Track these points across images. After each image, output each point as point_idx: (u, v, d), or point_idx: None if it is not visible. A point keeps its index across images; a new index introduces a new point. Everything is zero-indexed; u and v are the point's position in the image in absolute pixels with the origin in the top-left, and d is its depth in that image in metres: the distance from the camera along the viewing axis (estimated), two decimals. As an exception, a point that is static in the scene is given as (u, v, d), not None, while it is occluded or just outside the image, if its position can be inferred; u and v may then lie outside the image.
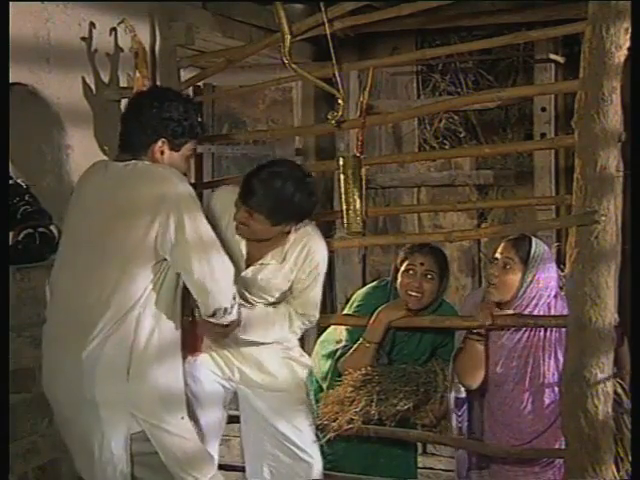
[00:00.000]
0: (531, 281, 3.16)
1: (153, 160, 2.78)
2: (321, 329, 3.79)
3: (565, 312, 3.11)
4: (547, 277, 3.18)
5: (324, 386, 3.48)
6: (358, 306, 3.53)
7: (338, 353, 3.44)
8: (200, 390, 3.18)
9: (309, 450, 3.24)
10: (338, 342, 3.48)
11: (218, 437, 3.29)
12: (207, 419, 3.19)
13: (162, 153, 2.79)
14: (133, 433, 2.69)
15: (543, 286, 3.17)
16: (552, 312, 3.20)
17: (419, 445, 3.88)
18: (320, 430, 3.34)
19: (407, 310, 3.36)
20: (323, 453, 3.47)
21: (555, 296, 3.21)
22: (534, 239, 3.22)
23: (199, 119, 2.89)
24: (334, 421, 3.34)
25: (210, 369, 3.20)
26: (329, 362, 3.47)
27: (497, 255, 3.23)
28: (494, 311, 3.16)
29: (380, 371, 3.36)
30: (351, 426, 3.31)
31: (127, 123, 2.85)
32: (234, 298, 2.80)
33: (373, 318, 3.33)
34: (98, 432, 2.68)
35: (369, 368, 3.36)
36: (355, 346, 3.37)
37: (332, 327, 3.61)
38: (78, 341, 2.68)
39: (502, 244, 3.24)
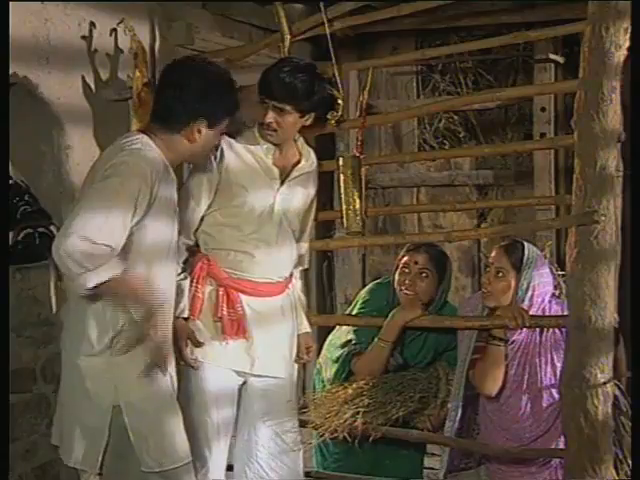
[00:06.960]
0: (527, 288, 3.15)
1: (189, 137, 2.71)
2: (323, 330, 3.76)
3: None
4: (540, 283, 3.17)
5: (327, 387, 3.48)
6: (363, 303, 3.53)
7: (348, 353, 3.41)
8: (214, 388, 3.11)
9: (290, 435, 3.23)
10: (345, 344, 3.45)
11: (229, 435, 3.22)
12: (221, 416, 3.13)
13: (199, 132, 2.72)
14: (114, 405, 2.59)
15: (537, 293, 3.16)
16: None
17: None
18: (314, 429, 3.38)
19: (423, 310, 3.33)
20: (329, 452, 3.50)
21: (549, 301, 3.20)
22: (526, 244, 3.20)
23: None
24: (319, 428, 3.35)
25: (227, 366, 3.13)
26: (336, 366, 3.45)
27: (490, 261, 3.22)
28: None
29: (374, 383, 3.34)
30: (335, 435, 3.31)
31: (166, 96, 2.74)
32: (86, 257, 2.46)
33: (389, 318, 3.31)
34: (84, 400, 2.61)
35: (361, 382, 3.34)
36: (370, 347, 3.36)
37: (337, 328, 3.60)
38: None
39: (495, 251, 3.22)
